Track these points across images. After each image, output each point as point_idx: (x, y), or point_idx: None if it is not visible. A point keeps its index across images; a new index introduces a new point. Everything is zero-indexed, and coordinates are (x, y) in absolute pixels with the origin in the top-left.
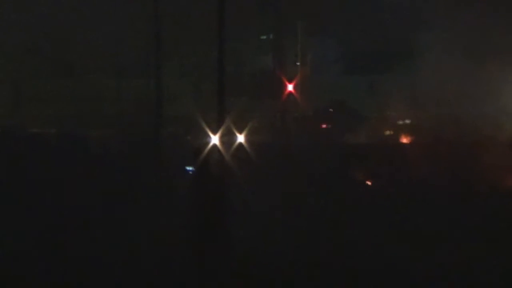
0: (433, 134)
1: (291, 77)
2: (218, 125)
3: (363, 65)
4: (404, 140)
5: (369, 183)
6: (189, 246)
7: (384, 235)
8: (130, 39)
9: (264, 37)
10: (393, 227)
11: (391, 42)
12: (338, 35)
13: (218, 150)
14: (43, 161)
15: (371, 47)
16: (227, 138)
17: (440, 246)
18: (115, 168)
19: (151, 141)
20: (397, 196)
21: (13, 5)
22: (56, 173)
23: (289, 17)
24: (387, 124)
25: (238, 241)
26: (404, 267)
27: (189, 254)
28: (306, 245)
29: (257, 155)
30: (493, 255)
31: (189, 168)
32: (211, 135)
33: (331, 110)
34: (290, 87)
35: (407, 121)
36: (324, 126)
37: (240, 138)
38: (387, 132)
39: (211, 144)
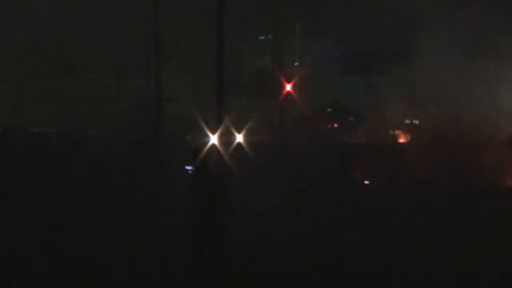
0: (432, 134)
1: (290, 77)
2: (217, 125)
3: (362, 65)
4: (404, 140)
5: (368, 182)
6: (189, 246)
7: (384, 235)
8: (130, 39)
9: (263, 37)
10: (393, 227)
11: (390, 42)
12: (337, 35)
13: (217, 150)
14: (44, 161)
15: (370, 47)
16: (226, 138)
17: (440, 246)
18: (115, 167)
19: (151, 141)
20: (397, 196)
21: (13, 5)
22: (56, 173)
23: (288, 17)
24: (386, 124)
25: (237, 241)
26: (404, 267)
27: (189, 254)
28: (305, 245)
29: (256, 155)
30: (493, 255)
31: (188, 167)
32: (210, 134)
33: (329, 110)
34: (289, 87)
35: (407, 121)
36: (323, 126)
37: (239, 137)
38: (387, 132)
39: (210, 143)
